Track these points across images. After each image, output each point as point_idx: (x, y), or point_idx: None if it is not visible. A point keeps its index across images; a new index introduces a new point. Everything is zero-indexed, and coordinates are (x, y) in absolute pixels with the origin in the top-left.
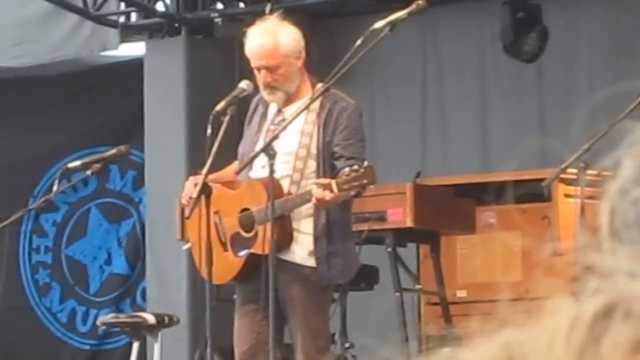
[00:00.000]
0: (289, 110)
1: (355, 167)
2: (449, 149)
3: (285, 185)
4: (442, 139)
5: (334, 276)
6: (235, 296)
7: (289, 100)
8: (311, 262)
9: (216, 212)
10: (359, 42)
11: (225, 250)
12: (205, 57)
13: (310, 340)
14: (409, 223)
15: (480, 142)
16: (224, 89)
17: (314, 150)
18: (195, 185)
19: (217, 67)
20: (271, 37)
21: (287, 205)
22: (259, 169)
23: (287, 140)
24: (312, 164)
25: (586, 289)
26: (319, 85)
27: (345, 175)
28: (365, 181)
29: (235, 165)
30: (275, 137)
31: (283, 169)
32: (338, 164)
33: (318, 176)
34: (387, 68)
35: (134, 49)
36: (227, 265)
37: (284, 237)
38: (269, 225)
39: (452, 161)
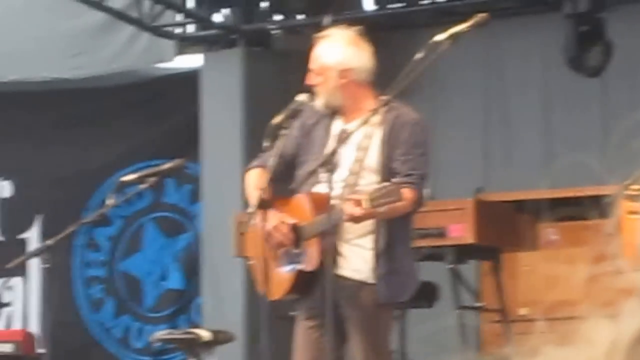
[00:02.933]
0: (351, 125)
1: (384, 184)
2: (511, 164)
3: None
4: (505, 154)
5: (393, 295)
6: (292, 313)
7: (351, 115)
8: (372, 279)
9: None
10: (419, 55)
11: (278, 266)
12: (263, 69)
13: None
14: (470, 239)
15: (543, 158)
16: (282, 102)
17: (371, 164)
18: (281, 225)
19: (275, 80)
20: (325, 45)
21: (323, 222)
22: (322, 184)
23: (346, 155)
24: (368, 179)
25: (625, 311)
26: (382, 98)
27: (374, 192)
28: (391, 198)
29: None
30: (334, 152)
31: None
32: (396, 180)
33: None
34: (449, 81)
35: (190, 61)
36: (279, 281)
37: (328, 253)
38: (314, 242)
39: (515, 176)
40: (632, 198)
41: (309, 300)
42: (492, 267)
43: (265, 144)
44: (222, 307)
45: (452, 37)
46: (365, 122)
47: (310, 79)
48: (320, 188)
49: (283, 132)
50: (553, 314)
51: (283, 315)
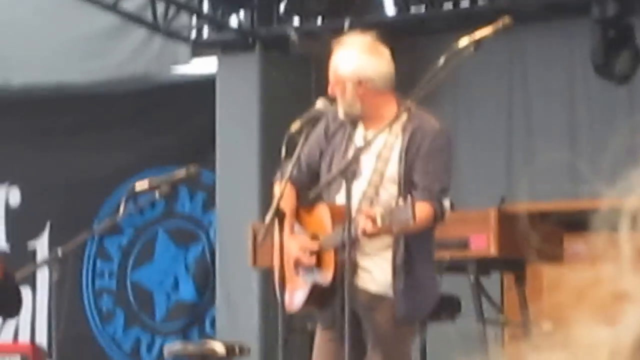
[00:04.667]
0: (372, 133)
1: (400, 202)
2: (535, 173)
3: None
4: (529, 162)
5: (411, 311)
6: (309, 326)
7: (373, 123)
8: (389, 292)
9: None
10: (441, 60)
11: (297, 275)
12: (281, 74)
13: None
14: (493, 251)
15: (569, 167)
16: (300, 108)
17: (391, 175)
18: (304, 249)
19: (293, 85)
20: (340, 53)
21: (338, 236)
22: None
23: (367, 165)
24: (389, 191)
25: (622, 317)
26: (405, 106)
27: (388, 210)
28: (405, 216)
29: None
30: (352, 161)
31: (360, 196)
32: (415, 194)
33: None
34: (471, 88)
35: (206, 65)
36: (296, 294)
37: (343, 267)
38: (327, 253)
39: (539, 186)
40: None
41: (328, 311)
42: (515, 280)
43: (283, 151)
44: (236, 319)
45: (475, 42)
46: (385, 131)
47: (330, 90)
48: (340, 198)
49: (299, 138)
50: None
51: (299, 328)
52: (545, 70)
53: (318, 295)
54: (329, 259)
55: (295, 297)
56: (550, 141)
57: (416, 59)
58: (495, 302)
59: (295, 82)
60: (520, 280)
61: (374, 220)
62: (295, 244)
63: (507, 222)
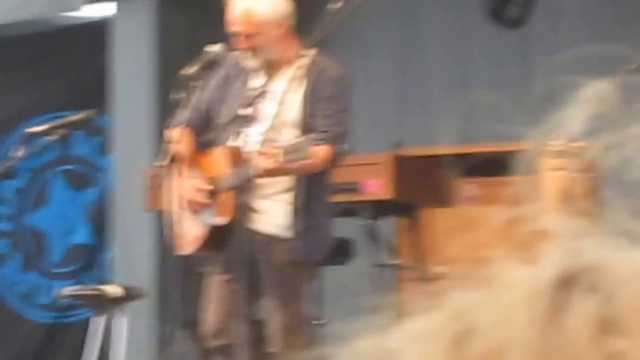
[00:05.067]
0: (277, 79)
1: (297, 139)
2: (429, 118)
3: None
4: (422, 107)
5: (309, 252)
6: (203, 269)
7: (273, 67)
8: (288, 234)
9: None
10: (338, 3)
11: (194, 219)
12: (178, 18)
13: (285, 318)
14: (387, 195)
15: (462, 111)
16: (196, 53)
17: (292, 119)
18: (198, 190)
19: (189, 30)
20: (246, 3)
21: (237, 176)
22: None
23: (267, 110)
24: (289, 135)
25: (542, 256)
26: (308, 51)
27: (285, 147)
28: (301, 154)
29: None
30: (248, 105)
31: (259, 140)
32: (314, 135)
33: None
34: (366, 31)
35: (100, 9)
36: (192, 236)
37: (241, 207)
38: (224, 195)
39: (433, 130)
40: (553, 154)
41: (223, 254)
42: (409, 224)
43: (176, 95)
44: (132, 262)
45: None
46: (286, 75)
47: (243, 42)
48: (237, 141)
49: (194, 83)
50: (471, 270)
51: (194, 271)
52: (438, 14)
53: (214, 238)
54: (226, 200)
55: (191, 239)
56: (443, 85)
57: (312, 2)
58: (389, 246)
59: (191, 27)
60: (414, 224)
61: (272, 157)
62: (188, 185)
63: (401, 166)
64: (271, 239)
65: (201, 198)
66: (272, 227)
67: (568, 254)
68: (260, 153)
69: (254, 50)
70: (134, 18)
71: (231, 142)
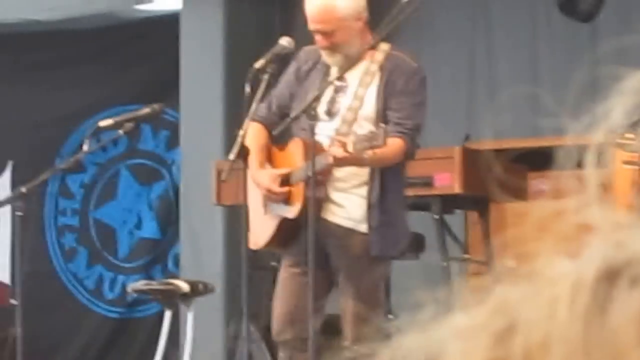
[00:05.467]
0: (352, 74)
1: (370, 129)
2: (498, 112)
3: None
4: (491, 99)
5: (385, 248)
6: (273, 263)
7: (348, 61)
8: (363, 227)
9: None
10: None
11: (266, 213)
12: (246, 12)
13: (358, 311)
14: (457, 189)
15: (532, 105)
16: (264, 46)
17: (367, 113)
18: (272, 181)
19: (257, 23)
20: (326, 0)
21: (310, 167)
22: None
23: (342, 104)
24: (364, 129)
25: (585, 250)
26: (382, 46)
27: (359, 136)
28: (375, 143)
29: (256, 130)
30: (317, 99)
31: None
32: (388, 127)
33: None
34: (436, 24)
35: (170, 3)
36: (264, 229)
37: (316, 200)
38: (297, 187)
39: (503, 124)
40: (625, 147)
41: (294, 248)
42: (479, 217)
43: (247, 89)
44: (200, 257)
45: None
46: (360, 69)
47: (323, 40)
48: (311, 136)
49: (263, 76)
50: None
51: (263, 266)
52: (508, 8)
53: (285, 231)
54: (298, 193)
55: (262, 234)
56: (513, 79)
57: None
58: (459, 240)
59: (259, 21)
60: (483, 217)
61: (344, 147)
62: (265, 175)
63: (471, 160)
64: (347, 232)
65: (279, 189)
66: (348, 220)
67: (612, 246)
68: (332, 142)
69: (335, 47)
70: (202, 11)
71: (305, 136)
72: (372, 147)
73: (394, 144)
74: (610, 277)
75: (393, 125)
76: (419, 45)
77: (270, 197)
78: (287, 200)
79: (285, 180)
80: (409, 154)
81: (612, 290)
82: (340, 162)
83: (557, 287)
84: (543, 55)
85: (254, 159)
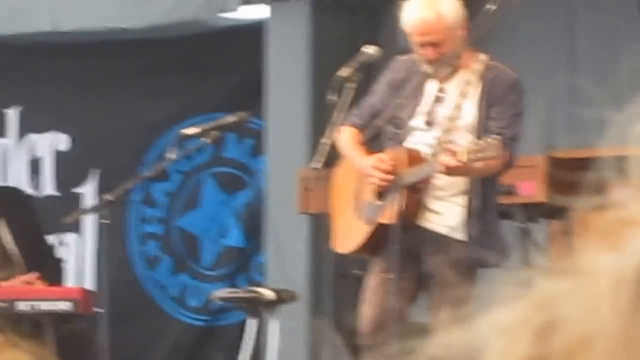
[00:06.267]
0: (450, 84)
1: (484, 140)
2: (580, 121)
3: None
4: (574, 108)
5: (483, 256)
6: (356, 272)
7: (450, 71)
8: (459, 235)
9: (356, 177)
10: (491, 6)
11: (359, 217)
12: (332, 21)
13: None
14: (540, 198)
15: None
16: (350, 55)
17: (466, 123)
18: (380, 161)
19: (343, 32)
20: (433, 10)
21: (416, 173)
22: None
23: (442, 114)
24: (464, 139)
25: (627, 244)
26: (481, 57)
27: (472, 146)
28: (489, 153)
29: (351, 134)
30: (429, 111)
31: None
32: (486, 138)
33: None
34: (518, 31)
35: (255, 11)
36: (355, 234)
37: (414, 207)
38: (398, 195)
39: (585, 133)
40: None
41: (385, 252)
42: (562, 227)
43: (331, 97)
44: (285, 265)
45: None
46: (460, 80)
47: (432, 52)
48: (412, 145)
49: (349, 85)
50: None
51: (347, 274)
52: (593, 14)
53: (378, 238)
54: (397, 199)
55: (352, 238)
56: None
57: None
58: (543, 249)
59: (346, 30)
60: (567, 227)
61: (455, 155)
62: (372, 158)
63: (555, 169)
64: (444, 240)
65: (382, 175)
66: (446, 228)
67: None
68: (445, 151)
69: (442, 57)
70: (288, 20)
71: (409, 143)
72: (484, 159)
73: (499, 155)
74: None
75: (494, 135)
76: (502, 53)
77: (373, 178)
78: (384, 206)
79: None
80: (509, 165)
81: None
82: (450, 171)
83: (599, 282)
84: (623, 60)
85: (355, 151)
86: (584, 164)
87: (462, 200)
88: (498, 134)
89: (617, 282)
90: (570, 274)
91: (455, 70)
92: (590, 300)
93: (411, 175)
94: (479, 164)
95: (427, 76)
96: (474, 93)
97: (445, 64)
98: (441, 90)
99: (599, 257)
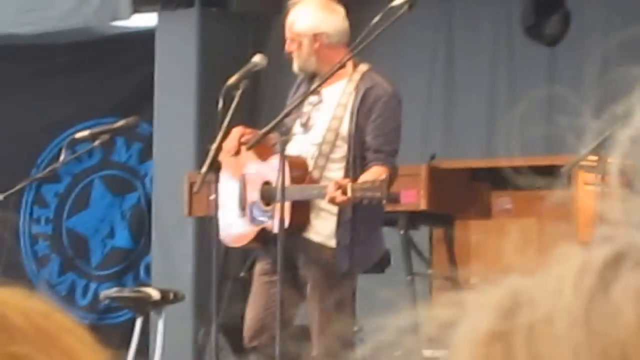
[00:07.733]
0: (327, 91)
1: (372, 179)
2: (461, 132)
3: (311, 167)
4: (458, 121)
5: (353, 265)
6: (242, 274)
7: (328, 80)
8: (333, 242)
9: (242, 176)
10: (376, 19)
11: (244, 216)
12: (219, 30)
13: (327, 325)
14: (422, 206)
15: (487, 126)
16: (237, 63)
17: (343, 133)
18: (241, 137)
19: (231, 41)
20: (296, 10)
21: (302, 193)
22: (294, 147)
23: (321, 123)
24: (341, 149)
25: (597, 238)
26: (361, 67)
27: (360, 184)
28: (377, 194)
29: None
30: (286, 115)
31: (313, 151)
32: (367, 155)
33: (347, 163)
34: (408, 46)
35: (146, 19)
36: (241, 232)
37: (300, 220)
38: (281, 206)
39: (466, 144)
40: (588, 169)
41: (267, 256)
42: (444, 235)
43: (219, 104)
44: (171, 266)
45: (410, 2)
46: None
47: (288, 46)
48: (293, 148)
49: (235, 92)
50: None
51: (232, 276)
52: (472, 29)
53: (263, 238)
54: (284, 209)
55: (240, 235)
56: (474, 99)
57: (352, 17)
58: (425, 256)
59: (233, 38)
60: (448, 234)
61: (344, 191)
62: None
63: (436, 178)
64: (316, 247)
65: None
66: (321, 236)
67: (621, 237)
68: (336, 185)
69: (294, 54)
70: (176, 29)
71: (289, 148)
72: (371, 198)
73: (377, 172)
74: (616, 260)
75: (373, 153)
76: (386, 64)
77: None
78: (270, 212)
79: (267, 192)
80: (391, 180)
81: (617, 271)
82: (336, 204)
83: (566, 268)
84: (502, 76)
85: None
86: (464, 174)
87: (334, 208)
88: (378, 151)
89: (582, 268)
90: (532, 271)
91: (337, 78)
92: (556, 283)
93: (297, 192)
94: (355, 199)
95: (305, 80)
96: (350, 103)
97: (297, 62)
98: (319, 94)
99: (570, 248)
